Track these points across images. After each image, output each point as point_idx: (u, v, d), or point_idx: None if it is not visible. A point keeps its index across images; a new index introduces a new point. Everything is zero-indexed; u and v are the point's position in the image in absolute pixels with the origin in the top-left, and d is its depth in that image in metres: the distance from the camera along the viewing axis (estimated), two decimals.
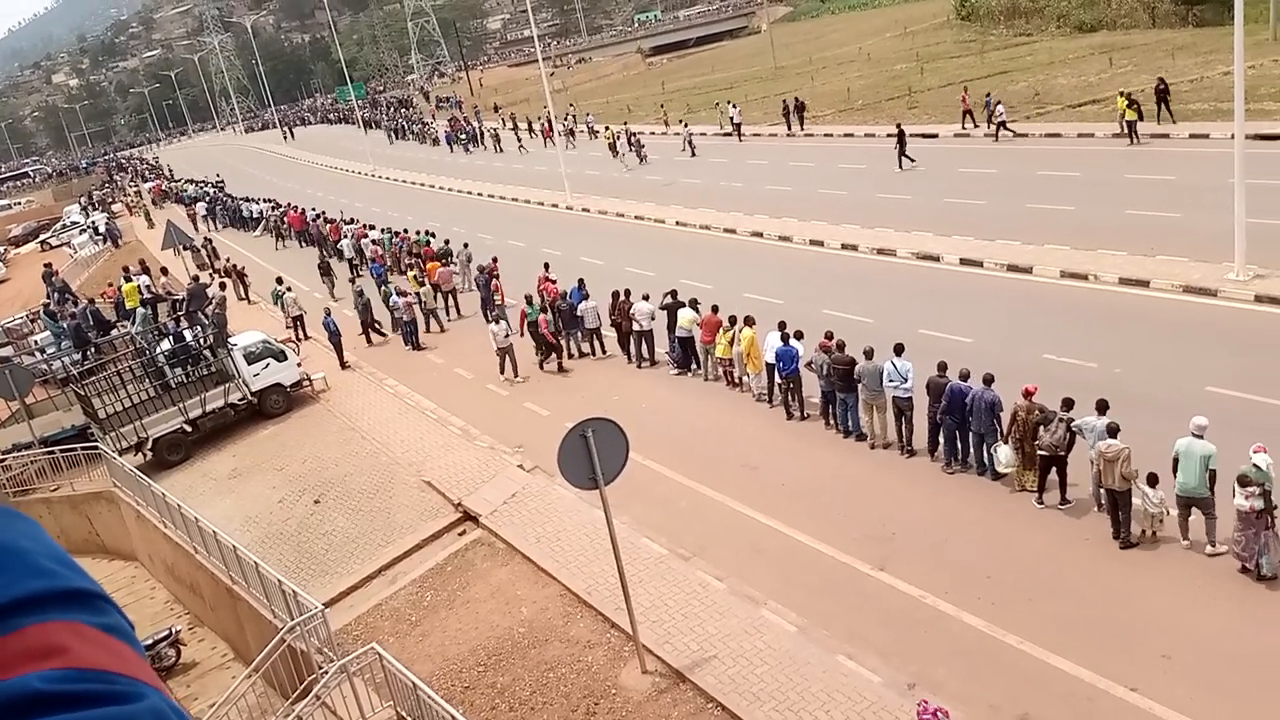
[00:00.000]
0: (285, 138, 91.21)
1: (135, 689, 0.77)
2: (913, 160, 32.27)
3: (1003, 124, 34.13)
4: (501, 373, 21.37)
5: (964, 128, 35.81)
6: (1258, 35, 36.68)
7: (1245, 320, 17.21)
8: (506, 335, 21.05)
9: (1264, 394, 13.93)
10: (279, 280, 28.93)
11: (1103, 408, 12.26)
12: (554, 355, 21.46)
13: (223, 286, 30.56)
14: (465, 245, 29.47)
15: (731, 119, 46.18)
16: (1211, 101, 30.03)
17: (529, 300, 21.76)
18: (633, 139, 44.49)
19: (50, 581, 0.78)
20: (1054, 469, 12.79)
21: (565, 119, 51.16)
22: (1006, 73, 45.60)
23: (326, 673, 11.89)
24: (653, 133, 47.96)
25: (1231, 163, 18.19)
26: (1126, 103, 29.39)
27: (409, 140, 72.15)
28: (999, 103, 34.86)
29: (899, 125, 33.20)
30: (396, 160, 60.75)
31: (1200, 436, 11.17)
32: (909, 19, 73.50)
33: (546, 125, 57.20)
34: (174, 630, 17.12)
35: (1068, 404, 12.65)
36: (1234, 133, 18.42)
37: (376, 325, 26.32)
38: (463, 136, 61.45)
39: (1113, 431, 11.73)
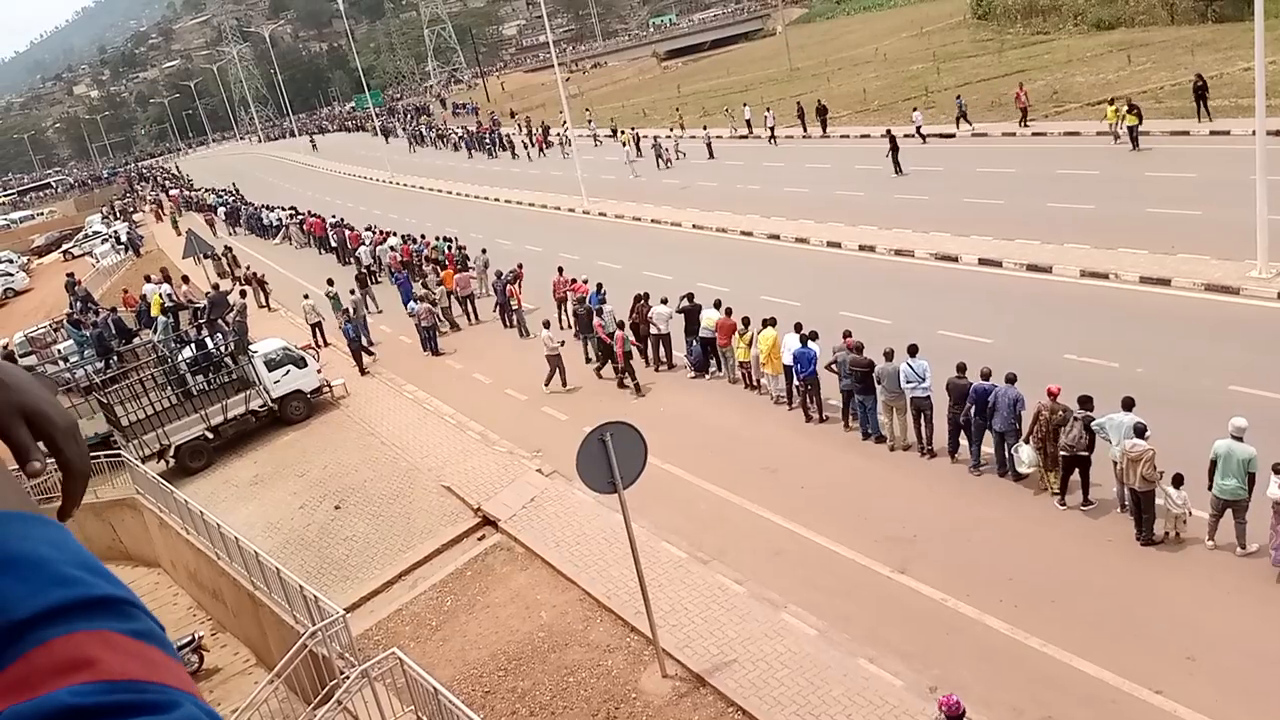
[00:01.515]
0: (313, 147, 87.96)
1: (168, 696, 0.74)
2: (901, 170, 32.09)
3: (960, 121, 36.29)
4: (547, 383, 20.63)
5: (1023, 125, 34.36)
6: (1278, 30, 36.34)
7: (1268, 318, 17.02)
8: (561, 342, 20.80)
9: None
10: (330, 282, 29.20)
11: (1128, 404, 12.14)
12: (613, 365, 20.25)
13: (243, 294, 30.80)
14: (483, 251, 29.58)
15: (748, 121, 46.15)
16: (1232, 98, 29.78)
17: (622, 325, 20.25)
18: (656, 143, 44.18)
19: (75, 590, 0.76)
20: (1076, 469, 12.69)
21: (563, 126, 51.44)
22: (1024, 71, 45.31)
23: (348, 678, 11.92)
24: (668, 136, 47.96)
25: (1253, 159, 18.02)
26: (1127, 107, 28.71)
27: (427, 146, 72.48)
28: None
29: (889, 131, 33.13)
30: (416, 167, 60.99)
31: (1240, 439, 11.04)
32: (925, 19, 73.21)
33: (540, 134, 57.32)
34: (196, 636, 17.23)
35: (1084, 402, 12.56)
36: (1255, 129, 18.24)
37: (368, 346, 25.40)
38: (486, 142, 61.52)
39: (1139, 431, 11.61)
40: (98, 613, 0.76)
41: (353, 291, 28.32)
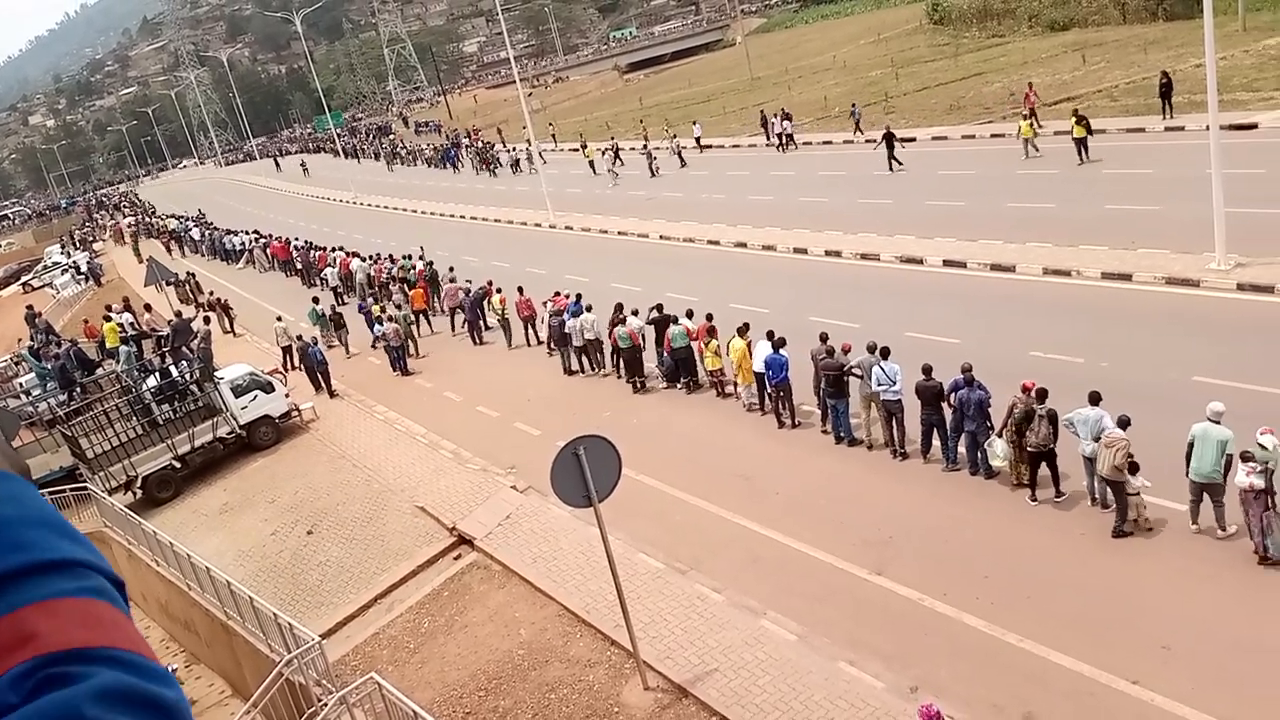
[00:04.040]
0: (304, 170, 78.24)
1: (103, 656, 0.77)
2: (901, 164, 32.44)
3: (857, 129, 38.29)
4: (590, 370, 21.41)
5: (1034, 128, 32.00)
6: (1227, 27, 37.08)
7: (1229, 309, 17.30)
8: (593, 325, 20.96)
9: (1250, 381, 13.97)
10: (315, 300, 29.28)
11: (1095, 399, 12.29)
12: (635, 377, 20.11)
13: (206, 320, 30.40)
14: (451, 269, 29.46)
15: (698, 139, 45.93)
16: (1185, 94, 30.29)
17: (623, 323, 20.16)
18: (648, 151, 44.22)
19: (27, 555, 0.77)
20: (1044, 464, 12.81)
21: (501, 147, 51.40)
22: (981, 74, 45.94)
23: (326, 705, 11.77)
24: (633, 149, 48.12)
25: (1207, 154, 18.32)
26: (1075, 119, 27.96)
27: (397, 164, 71.91)
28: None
29: (888, 128, 33.47)
30: (386, 187, 60.63)
31: (1217, 422, 11.18)
32: (882, 25, 74.08)
33: (486, 155, 57.20)
34: (170, 669, 16.85)
35: (1041, 396, 12.67)
36: (1209, 124, 18.56)
37: (319, 373, 24.60)
38: (475, 157, 60.10)
39: (1123, 424, 11.75)
40: (48, 577, 0.78)
41: (320, 316, 28.19)
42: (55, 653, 0.75)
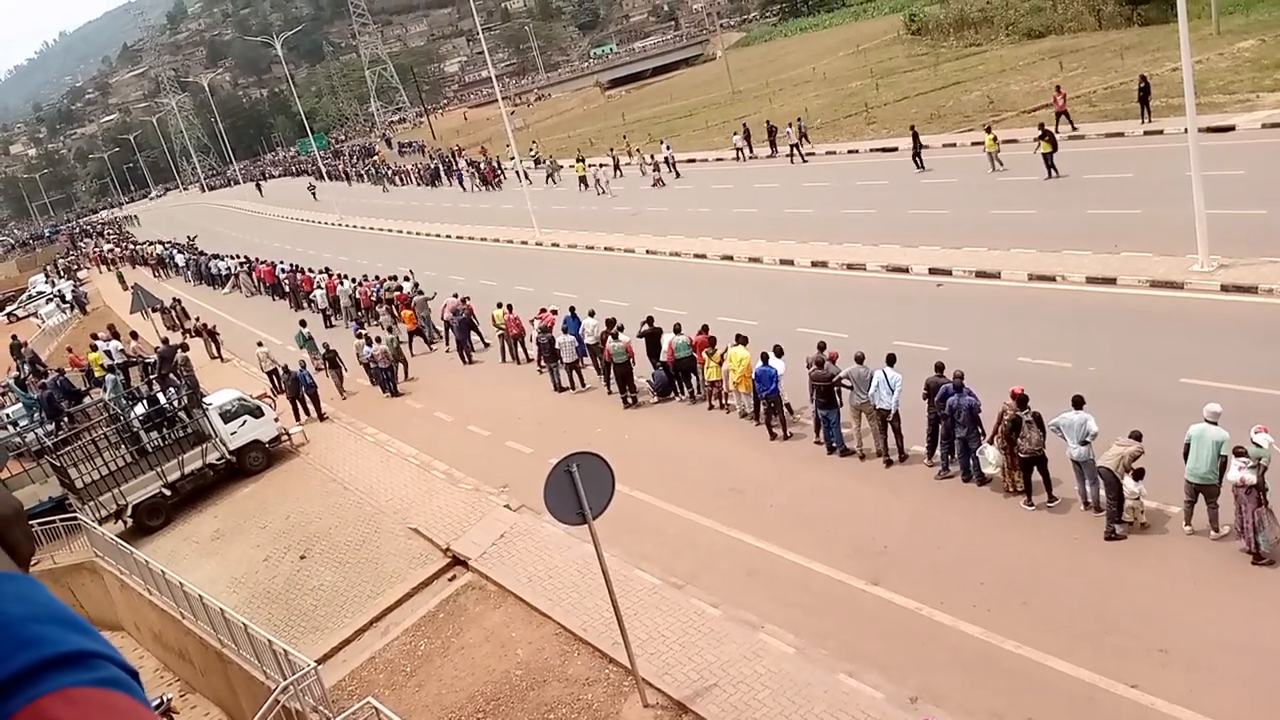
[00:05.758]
0: (314, 195, 72.40)
1: None
2: (921, 166, 32.65)
3: (803, 140, 40.30)
4: (569, 387, 21.73)
5: (1058, 130, 30.19)
6: (1201, 31, 37.47)
7: (1213, 310, 17.42)
8: (594, 331, 21.02)
9: (1236, 381, 14.05)
10: (302, 323, 29.17)
11: (1078, 403, 12.36)
12: (627, 389, 20.02)
13: (185, 347, 30.10)
14: (425, 293, 29.46)
15: (668, 159, 45.96)
16: (1163, 98, 30.57)
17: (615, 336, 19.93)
18: (655, 161, 44.86)
19: (38, 651, 0.78)
20: (1035, 469, 12.85)
21: (476, 161, 52.12)
22: (960, 83, 46.26)
23: None
24: (629, 162, 48.35)
25: (1187, 157, 18.48)
26: (1040, 133, 27.78)
27: (376, 184, 71.87)
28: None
29: (913, 128, 33.84)
30: (375, 209, 60.57)
31: (1214, 423, 11.25)
32: (861, 37, 74.53)
33: (488, 168, 57.28)
34: (165, 699, 16.81)
35: (1022, 402, 12.71)
36: (1187, 127, 18.73)
37: (308, 396, 24.61)
38: (476, 175, 59.30)
39: (1136, 437, 11.82)
40: (63, 669, 0.78)
41: (306, 340, 28.06)
42: None
